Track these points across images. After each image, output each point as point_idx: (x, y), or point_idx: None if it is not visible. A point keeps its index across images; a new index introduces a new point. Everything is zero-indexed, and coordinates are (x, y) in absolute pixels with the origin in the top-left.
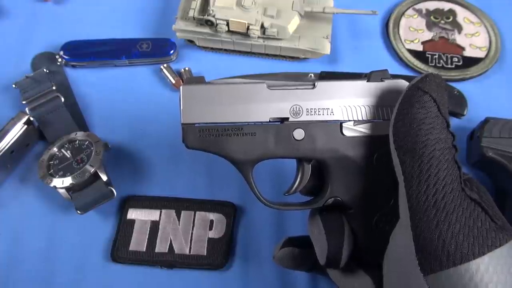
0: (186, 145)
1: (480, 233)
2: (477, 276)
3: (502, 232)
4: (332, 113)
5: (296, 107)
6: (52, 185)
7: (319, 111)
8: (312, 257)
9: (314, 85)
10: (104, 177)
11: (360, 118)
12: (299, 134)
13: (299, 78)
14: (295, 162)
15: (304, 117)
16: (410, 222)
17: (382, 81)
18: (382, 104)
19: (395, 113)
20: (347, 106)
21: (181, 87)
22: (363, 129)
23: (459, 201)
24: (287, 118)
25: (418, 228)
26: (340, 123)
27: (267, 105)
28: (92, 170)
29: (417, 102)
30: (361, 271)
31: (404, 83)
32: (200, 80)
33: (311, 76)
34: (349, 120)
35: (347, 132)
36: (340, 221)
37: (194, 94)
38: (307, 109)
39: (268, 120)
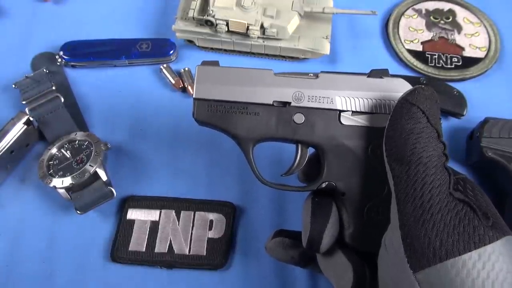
0: (196, 119)
1: (466, 231)
2: (463, 272)
3: (493, 230)
4: (331, 102)
5: (298, 93)
6: (51, 185)
7: (319, 99)
8: (302, 248)
9: (317, 76)
10: (103, 177)
11: (358, 109)
12: (299, 118)
13: None
14: (294, 150)
15: (305, 103)
16: (398, 222)
17: (381, 78)
18: (380, 99)
19: (387, 124)
20: (346, 97)
21: (197, 67)
22: (360, 120)
23: (446, 203)
24: (289, 103)
25: (406, 227)
26: (339, 112)
27: (272, 89)
28: (92, 170)
29: (406, 114)
30: (344, 258)
31: (402, 82)
32: (214, 63)
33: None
34: (348, 110)
35: (344, 121)
36: (329, 207)
37: (207, 73)
38: (308, 96)
39: (272, 103)
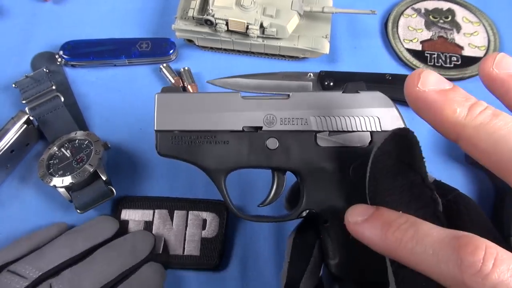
0: (159, 152)
1: None
2: None
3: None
4: (306, 123)
5: (270, 116)
6: (52, 184)
7: (293, 121)
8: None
9: (288, 96)
10: (103, 177)
11: (335, 129)
12: (272, 143)
13: (297, 78)
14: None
15: (278, 127)
16: (395, 285)
17: (357, 92)
18: (357, 115)
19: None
20: (321, 116)
21: (156, 95)
22: (338, 140)
23: None
24: (261, 127)
25: None
26: (315, 133)
27: (240, 113)
28: (92, 169)
29: (383, 169)
30: None
31: (379, 95)
32: (175, 90)
33: (310, 75)
34: (324, 131)
35: (321, 142)
36: (309, 251)
37: (169, 101)
38: (281, 118)
39: (242, 129)
